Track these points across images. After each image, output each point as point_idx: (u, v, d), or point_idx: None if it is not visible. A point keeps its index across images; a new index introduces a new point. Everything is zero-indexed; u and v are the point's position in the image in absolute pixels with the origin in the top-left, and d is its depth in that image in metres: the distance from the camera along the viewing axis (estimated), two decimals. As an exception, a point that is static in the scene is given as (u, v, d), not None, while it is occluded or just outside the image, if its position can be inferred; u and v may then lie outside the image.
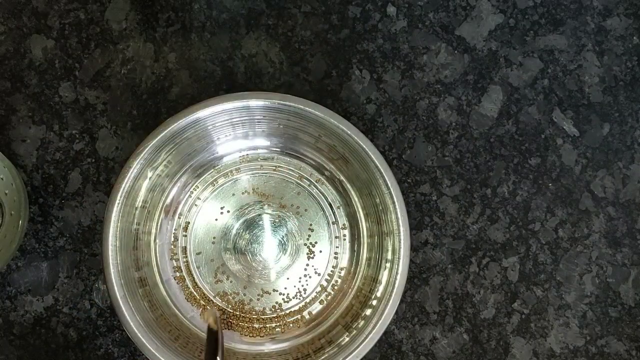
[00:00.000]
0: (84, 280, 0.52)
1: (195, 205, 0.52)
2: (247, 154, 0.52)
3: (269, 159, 0.52)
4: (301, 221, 0.52)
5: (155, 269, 0.50)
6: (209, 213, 0.52)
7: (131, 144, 0.53)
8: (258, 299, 0.52)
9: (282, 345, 0.51)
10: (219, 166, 0.52)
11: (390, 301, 0.47)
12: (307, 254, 0.52)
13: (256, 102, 0.47)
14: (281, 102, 0.47)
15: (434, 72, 0.53)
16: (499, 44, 0.54)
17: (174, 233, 0.51)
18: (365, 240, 0.51)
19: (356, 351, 0.47)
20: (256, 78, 0.53)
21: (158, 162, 0.48)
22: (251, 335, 0.51)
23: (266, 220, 0.52)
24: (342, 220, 0.52)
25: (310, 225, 0.52)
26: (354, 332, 0.48)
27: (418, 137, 0.53)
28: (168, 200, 0.51)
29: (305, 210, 0.52)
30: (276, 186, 0.52)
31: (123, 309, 0.47)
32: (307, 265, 0.52)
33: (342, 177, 0.51)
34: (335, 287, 0.52)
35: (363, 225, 0.52)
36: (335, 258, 0.52)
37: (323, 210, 0.52)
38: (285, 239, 0.52)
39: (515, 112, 0.54)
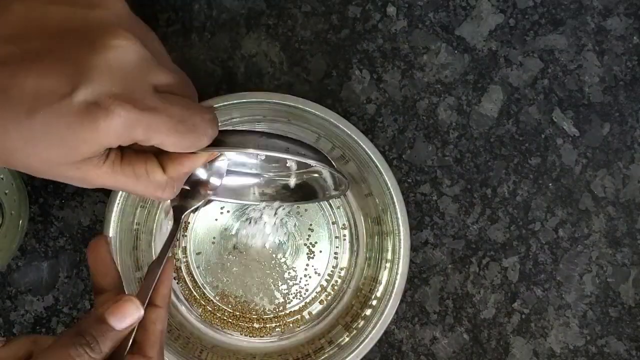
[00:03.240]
0: (84, 280, 0.52)
1: (195, 205, 0.52)
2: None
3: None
4: (301, 221, 0.52)
5: (155, 269, 0.50)
6: (209, 213, 0.52)
7: (131, 144, 0.53)
8: (258, 299, 0.52)
9: (282, 346, 0.51)
10: (219, 166, 0.52)
11: (390, 301, 0.47)
12: (307, 254, 0.52)
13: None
14: (281, 102, 0.47)
15: (434, 72, 0.53)
16: (499, 44, 0.54)
17: (174, 233, 0.51)
18: (365, 240, 0.51)
19: (356, 351, 0.47)
20: (256, 78, 0.53)
21: (158, 162, 0.48)
22: (251, 335, 0.51)
23: (266, 220, 0.52)
24: (342, 220, 0.52)
25: (310, 225, 0.52)
26: (354, 332, 0.48)
27: (418, 137, 0.53)
28: (168, 201, 0.51)
29: (305, 210, 0.52)
30: (276, 186, 0.52)
31: (123, 309, 0.47)
32: (307, 265, 0.52)
33: (342, 177, 0.51)
34: (335, 287, 0.52)
35: (363, 225, 0.52)
36: (335, 258, 0.52)
37: (323, 210, 0.52)
38: (285, 239, 0.52)
39: (515, 112, 0.54)
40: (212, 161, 0.44)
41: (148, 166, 0.37)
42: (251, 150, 0.38)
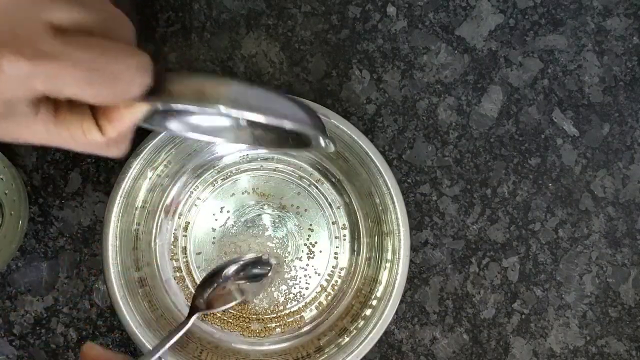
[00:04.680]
0: (84, 280, 0.52)
1: (195, 205, 0.52)
2: (247, 154, 0.52)
3: (269, 159, 0.52)
4: (301, 221, 0.52)
5: (155, 269, 0.50)
6: (209, 213, 0.52)
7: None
8: (258, 299, 0.52)
9: (282, 345, 0.51)
10: (218, 166, 0.52)
11: (390, 301, 0.47)
12: (307, 254, 0.52)
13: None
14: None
15: (434, 72, 0.53)
16: (499, 44, 0.54)
17: (174, 233, 0.51)
18: (365, 240, 0.51)
19: (356, 351, 0.47)
20: (256, 78, 0.53)
21: (158, 162, 0.48)
22: (251, 335, 0.51)
23: (266, 220, 0.52)
24: (342, 220, 0.52)
25: (310, 225, 0.52)
26: (354, 332, 0.48)
27: (418, 137, 0.53)
28: (168, 200, 0.51)
29: (305, 210, 0.52)
30: (276, 186, 0.52)
31: (123, 309, 0.47)
32: (307, 265, 0.52)
33: (341, 177, 0.51)
34: (335, 287, 0.52)
35: (363, 225, 0.52)
36: (335, 258, 0.52)
37: (323, 210, 0.52)
38: (285, 239, 0.52)
39: (515, 112, 0.54)
40: None
41: (84, 126, 0.30)
42: (207, 106, 0.28)
